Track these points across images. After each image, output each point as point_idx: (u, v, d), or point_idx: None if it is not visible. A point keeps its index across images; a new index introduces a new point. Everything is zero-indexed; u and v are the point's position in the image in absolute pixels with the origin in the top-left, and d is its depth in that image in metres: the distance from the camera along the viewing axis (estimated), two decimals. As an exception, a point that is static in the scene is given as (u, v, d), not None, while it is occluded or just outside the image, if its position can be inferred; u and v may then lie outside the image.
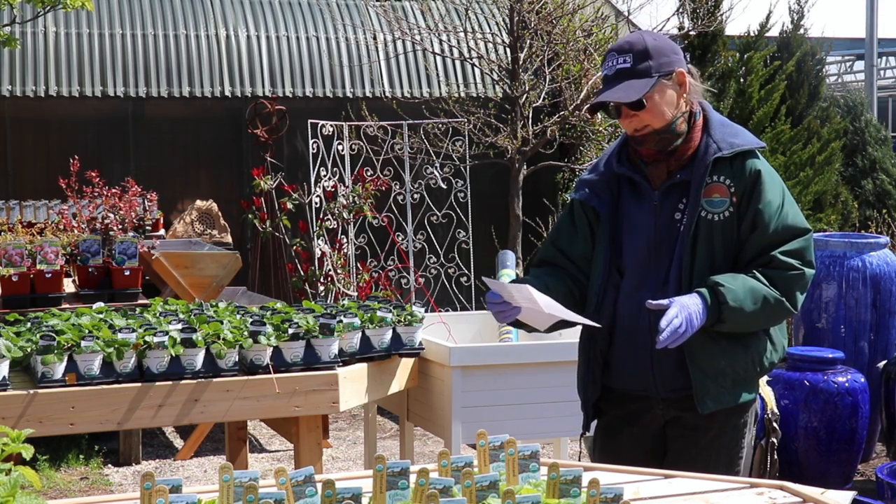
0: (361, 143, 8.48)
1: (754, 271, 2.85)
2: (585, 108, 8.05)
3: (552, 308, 2.81)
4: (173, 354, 3.84)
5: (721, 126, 2.94)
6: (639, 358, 2.94)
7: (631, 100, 2.82)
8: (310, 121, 8.42)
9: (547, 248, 3.11)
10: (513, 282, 3.03)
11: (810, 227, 2.92)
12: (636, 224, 2.95)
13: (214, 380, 3.90)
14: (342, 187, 8.30)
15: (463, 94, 9.34)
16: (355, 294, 7.92)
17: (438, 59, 9.57)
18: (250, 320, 4.01)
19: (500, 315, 2.90)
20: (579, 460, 3.27)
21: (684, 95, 2.90)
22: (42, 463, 6.03)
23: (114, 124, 9.16)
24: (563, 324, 2.97)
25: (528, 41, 8.44)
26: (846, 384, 5.39)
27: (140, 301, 5.53)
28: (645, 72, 2.83)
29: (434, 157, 8.67)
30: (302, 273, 8.14)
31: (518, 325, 3.00)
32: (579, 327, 3.03)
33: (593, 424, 3.14)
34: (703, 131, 2.93)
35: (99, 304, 4.59)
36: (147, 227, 7.27)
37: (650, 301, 2.78)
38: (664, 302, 2.76)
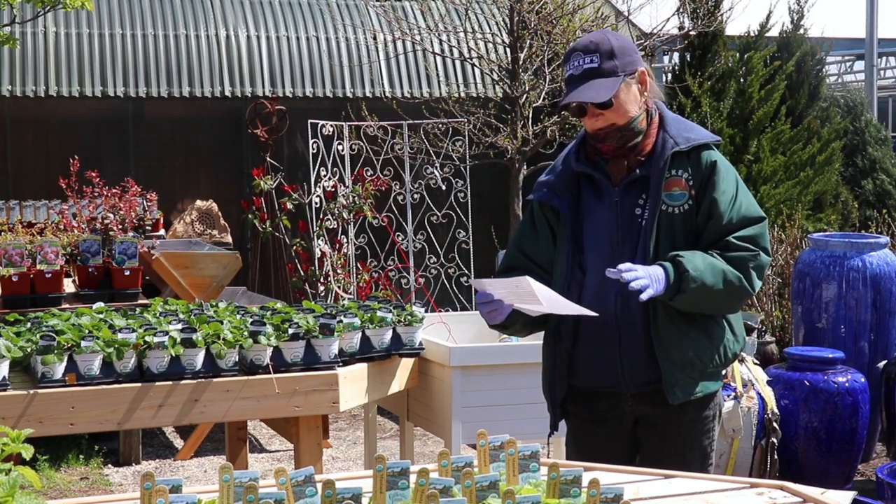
0: (361, 143, 8.48)
1: (712, 252, 2.90)
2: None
3: (551, 300, 2.78)
4: (173, 354, 3.84)
5: (676, 122, 3.01)
6: (606, 354, 2.95)
7: (602, 100, 2.86)
8: (310, 121, 8.42)
9: (513, 254, 3.13)
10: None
11: (764, 215, 3.00)
12: (598, 220, 2.98)
13: (214, 380, 3.90)
14: (342, 187, 8.30)
15: (463, 94, 9.33)
16: (353, 295, 7.92)
17: (438, 59, 9.57)
18: (250, 320, 4.01)
19: (492, 315, 2.90)
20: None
21: (644, 94, 2.96)
22: (42, 463, 6.03)
23: (114, 124, 9.16)
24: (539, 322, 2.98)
25: (528, 41, 8.44)
26: (846, 384, 5.39)
27: (140, 301, 5.53)
28: (611, 71, 2.88)
29: (434, 157, 8.67)
30: (302, 273, 8.14)
31: (502, 327, 2.99)
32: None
33: (562, 426, 3.15)
34: (660, 128, 2.98)
35: (99, 304, 4.59)
36: (147, 227, 7.26)
37: (610, 269, 2.79)
38: (623, 266, 2.78)
